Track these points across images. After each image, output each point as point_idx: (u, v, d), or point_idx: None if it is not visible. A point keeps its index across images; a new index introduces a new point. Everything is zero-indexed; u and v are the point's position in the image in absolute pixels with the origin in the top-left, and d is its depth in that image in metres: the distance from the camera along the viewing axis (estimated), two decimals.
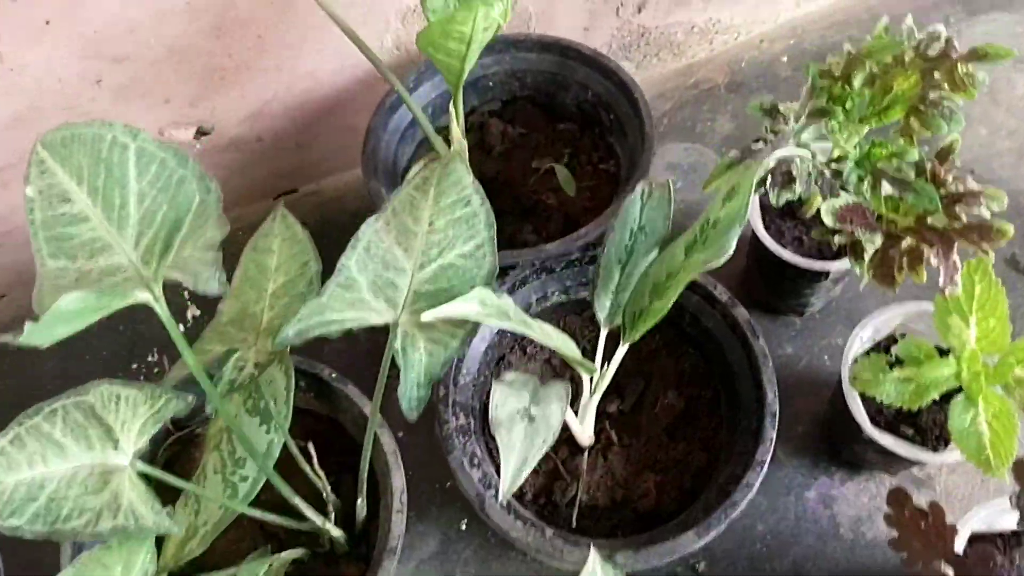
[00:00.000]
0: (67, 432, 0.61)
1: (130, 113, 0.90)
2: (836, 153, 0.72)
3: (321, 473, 0.74)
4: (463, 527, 0.91)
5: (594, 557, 0.57)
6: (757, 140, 0.73)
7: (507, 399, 0.57)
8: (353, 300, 0.61)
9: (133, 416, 0.60)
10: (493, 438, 0.83)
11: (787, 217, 0.88)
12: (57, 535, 0.59)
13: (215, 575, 0.71)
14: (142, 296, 0.53)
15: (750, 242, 0.93)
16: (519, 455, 0.56)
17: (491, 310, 0.56)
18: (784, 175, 0.71)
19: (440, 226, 0.64)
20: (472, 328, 0.61)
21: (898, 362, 0.77)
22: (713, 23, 1.11)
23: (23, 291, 1.08)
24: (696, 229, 0.64)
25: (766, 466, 0.74)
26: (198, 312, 1.05)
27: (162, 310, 0.54)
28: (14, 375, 1.02)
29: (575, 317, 0.88)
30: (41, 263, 0.57)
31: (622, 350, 0.67)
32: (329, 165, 1.10)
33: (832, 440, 0.92)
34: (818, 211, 0.81)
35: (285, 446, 0.72)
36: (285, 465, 0.72)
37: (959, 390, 0.74)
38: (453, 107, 0.80)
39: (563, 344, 0.61)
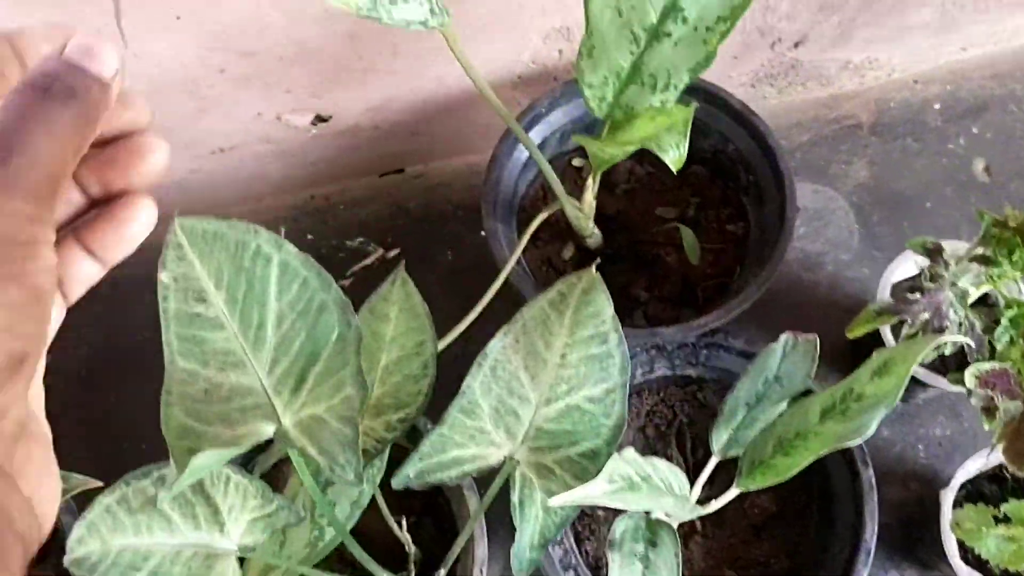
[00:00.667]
0: (175, 505, 0.61)
1: (250, 99, 0.86)
2: (996, 313, 0.67)
3: (407, 537, 0.75)
4: None
5: None
6: (913, 288, 0.68)
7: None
8: (475, 430, 0.59)
9: (242, 507, 0.60)
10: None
11: None
12: None
13: None
14: (270, 432, 0.52)
15: None
16: None
17: (618, 487, 0.55)
18: (935, 331, 0.67)
19: (572, 361, 0.61)
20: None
21: (1005, 518, 0.74)
22: (870, 61, 1.02)
23: None
24: (837, 395, 0.61)
25: None
26: None
27: (295, 437, 0.53)
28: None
29: (677, 389, 0.86)
30: (170, 359, 0.55)
31: (732, 493, 0.65)
32: (440, 150, 1.05)
33: (911, 538, 0.91)
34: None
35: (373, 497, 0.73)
36: (370, 504, 0.72)
37: None
38: (592, 179, 0.75)
39: (681, 505, 0.60)
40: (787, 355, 0.64)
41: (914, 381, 0.83)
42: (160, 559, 0.60)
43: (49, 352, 1.05)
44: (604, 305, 0.62)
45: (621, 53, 0.66)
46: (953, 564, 0.78)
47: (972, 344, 0.68)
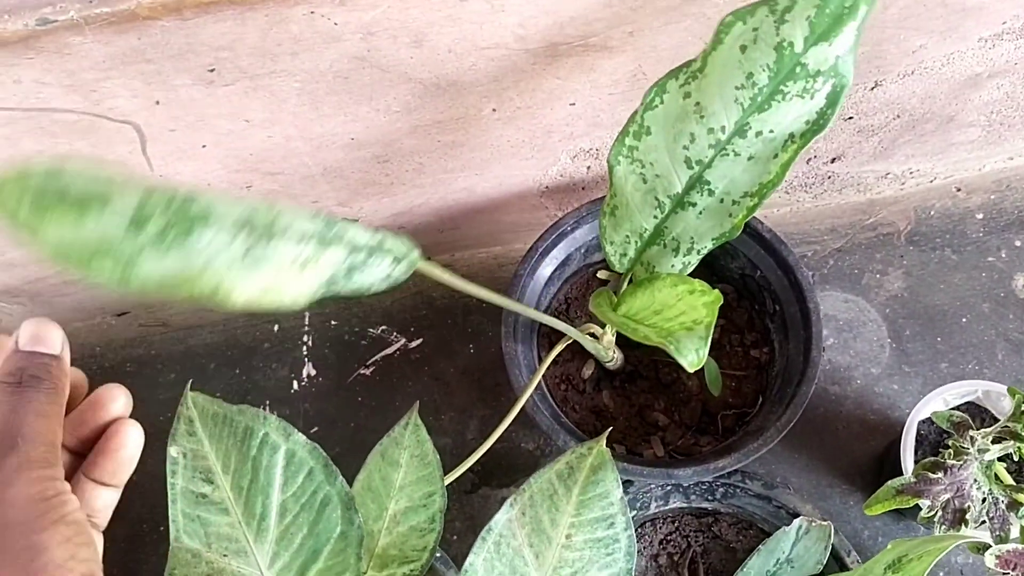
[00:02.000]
0: None
1: None
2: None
3: None
4: None
5: None
6: (936, 466, 0.66)
7: None
8: None
9: None
10: None
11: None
12: None
13: None
14: None
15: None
16: None
17: None
18: (956, 512, 0.65)
19: (577, 543, 0.60)
20: None
21: None
22: (911, 172, 1.00)
23: (144, 311, 1.08)
24: None
25: None
26: None
27: None
28: None
29: (692, 519, 0.85)
30: (175, 536, 0.56)
31: None
32: (468, 243, 1.05)
33: None
34: None
35: None
36: None
37: None
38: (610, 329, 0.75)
39: None
40: (800, 539, 0.63)
41: None
42: None
43: None
44: (613, 486, 0.61)
45: (644, 217, 0.65)
46: None
47: (991, 518, 0.66)
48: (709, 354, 0.85)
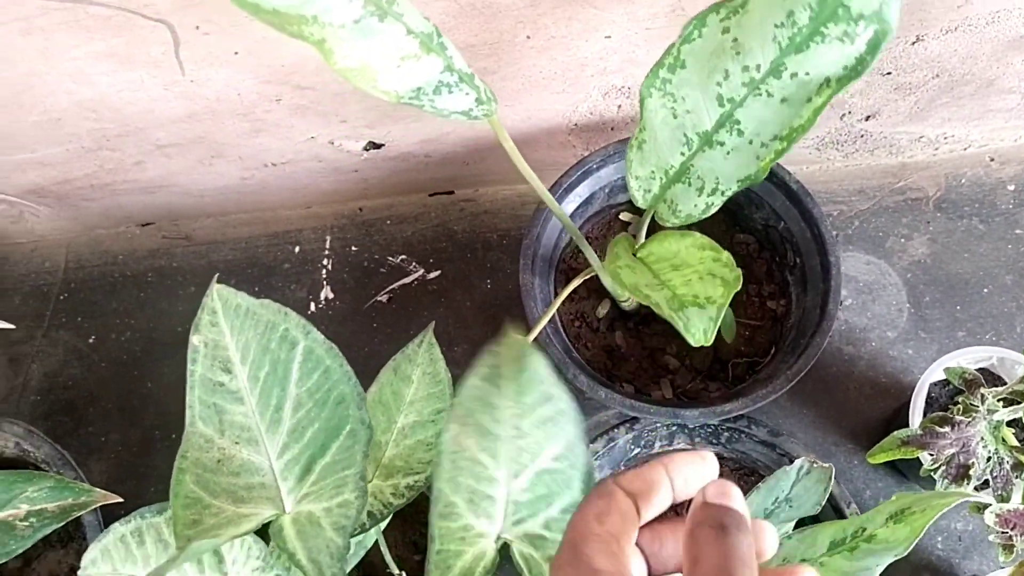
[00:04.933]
0: None
1: (304, 125, 0.87)
2: None
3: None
4: None
5: None
6: (944, 420, 0.66)
7: None
8: (461, 531, 0.59)
9: (244, 562, 0.62)
10: None
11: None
12: None
13: None
14: (268, 516, 0.53)
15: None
16: None
17: None
18: (960, 467, 0.65)
19: (527, 428, 0.60)
20: None
21: None
22: (945, 136, 0.98)
23: (168, 222, 1.09)
24: (848, 530, 0.60)
25: None
26: None
27: (289, 539, 0.54)
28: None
29: None
30: (190, 421, 0.57)
31: None
32: (492, 178, 1.05)
33: None
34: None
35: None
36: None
37: None
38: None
39: None
40: (800, 479, 0.63)
41: None
42: None
43: (95, 334, 1.08)
44: (539, 366, 0.59)
45: (671, 153, 0.65)
46: None
47: (995, 478, 0.67)
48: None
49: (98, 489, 0.75)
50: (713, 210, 0.67)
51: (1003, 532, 0.66)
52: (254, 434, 0.56)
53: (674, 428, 0.81)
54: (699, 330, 0.55)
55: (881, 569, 0.58)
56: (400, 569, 0.77)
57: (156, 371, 1.04)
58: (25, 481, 0.73)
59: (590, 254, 0.75)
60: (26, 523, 0.73)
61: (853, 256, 1.01)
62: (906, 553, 0.57)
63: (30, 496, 0.73)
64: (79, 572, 0.66)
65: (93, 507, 0.75)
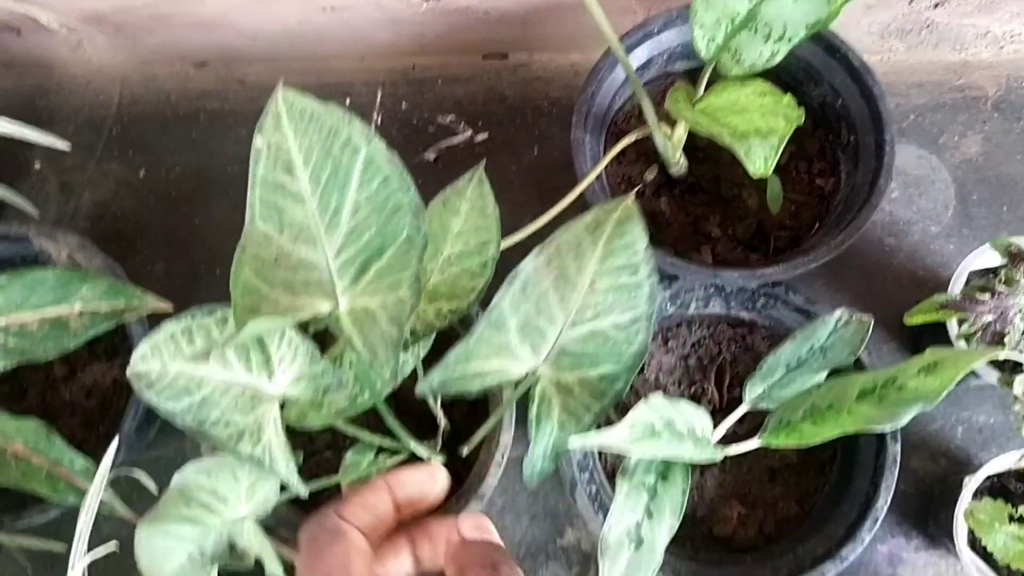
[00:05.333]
0: (232, 346, 0.65)
1: None
2: None
3: (440, 412, 0.79)
4: None
5: None
6: (984, 288, 0.67)
7: (623, 511, 0.58)
8: (500, 345, 0.61)
9: (291, 361, 0.64)
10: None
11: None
12: (202, 436, 0.66)
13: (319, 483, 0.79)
14: (325, 310, 0.55)
15: None
16: None
17: (639, 434, 0.57)
18: (995, 335, 0.66)
19: (601, 288, 0.62)
20: (609, 403, 0.62)
21: (1020, 518, 0.75)
22: (1012, 34, 0.96)
23: (222, 63, 1.10)
24: (880, 380, 0.61)
25: (847, 562, 0.76)
26: None
27: (346, 327, 0.56)
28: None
29: (727, 327, 0.87)
30: (251, 218, 0.58)
31: (751, 445, 0.67)
32: (547, 44, 1.04)
33: (925, 511, 0.92)
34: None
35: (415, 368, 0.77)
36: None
37: None
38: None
39: (699, 451, 0.62)
40: (838, 330, 0.64)
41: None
42: (211, 390, 0.65)
43: (145, 167, 1.10)
44: (638, 236, 0.61)
45: None
46: (959, 546, 0.80)
47: None
48: (774, 172, 0.85)
49: (151, 294, 0.78)
50: (778, 58, 0.67)
51: None
52: (313, 233, 0.57)
53: (711, 290, 0.82)
54: (760, 158, 0.56)
55: (908, 419, 0.59)
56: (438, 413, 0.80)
57: (204, 208, 1.06)
58: (81, 280, 0.76)
59: (648, 109, 0.75)
60: (79, 321, 0.76)
61: (905, 149, 1.00)
62: (934, 405, 0.59)
63: (84, 296, 0.76)
64: (128, 368, 0.68)
65: (144, 313, 0.78)
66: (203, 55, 1.07)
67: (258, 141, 0.58)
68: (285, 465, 0.63)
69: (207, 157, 1.08)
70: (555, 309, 0.63)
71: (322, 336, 0.76)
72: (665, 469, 0.64)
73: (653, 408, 0.60)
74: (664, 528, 0.57)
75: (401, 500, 0.48)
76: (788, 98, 0.63)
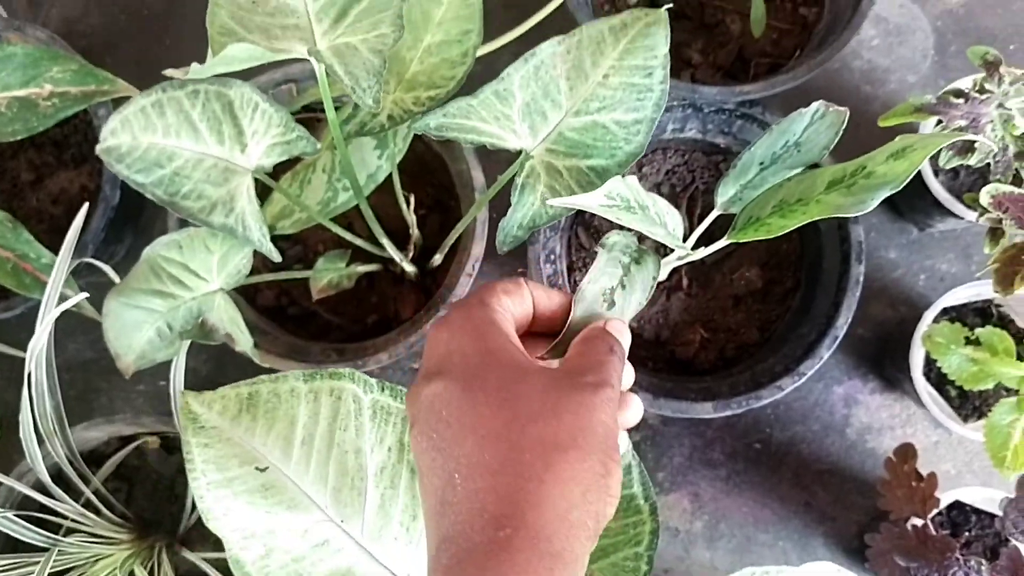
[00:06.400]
0: (204, 118, 0.64)
1: None
2: None
3: (413, 218, 0.79)
4: None
5: None
6: (959, 93, 0.67)
7: (601, 275, 0.58)
8: (501, 114, 0.61)
9: (264, 132, 0.64)
10: (576, 235, 0.87)
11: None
12: (174, 207, 0.65)
13: (296, 272, 0.79)
14: (303, 52, 0.54)
15: None
16: None
17: (616, 203, 0.57)
18: (965, 142, 0.67)
19: (613, 83, 0.62)
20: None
21: (975, 340, 0.77)
22: None
23: None
24: (847, 169, 0.62)
25: (804, 379, 0.78)
26: None
27: (321, 73, 0.55)
28: None
29: (702, 156, 0.87)
30: None
31: (722, 243, 0.68)
32: None
33: (883, 355, 0.94)
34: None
35: (389, 176, 0.76)
36: (385, 187, 0.76)
37: (1015, 392, 0.75)
38: None
39: (672, 233, 0.63)
40: (813, 122, 0.65)
41: (934, 204, 0.84)
42: (183, 162, 0.65)
43: None
44: (661, 41, 0.62)
45: None
46: (914, 377, 0.82)
47: (997, 162, 0.68)
48: None
49: (121, 80, 0.76)
50: None
51: (995, 215, 0.68)
52: None
53: (688, 111, 0.82)
54: None
55: (876, 203, 0.59)
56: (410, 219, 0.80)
57: (176, 30, 1.03)
58: (51, 60, 0.74)
59: None
60: (48, 103, 0.74)
61: None
62: (901, 187, 0.59)
63: (55, 76, 0.74)
64: (98, 145, 0.67)
65: (113, 96, 0.76)
66: None
67: None
68: (259, 230, 0.63)
69: None
70: (562, 96, 0.63)
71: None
72: (639, 255, 0.64)
73: (630, 187, 0.60)
74: (633, 301, 0.57)
75: (539, 310, 0.48)
76: None
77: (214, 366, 0.95)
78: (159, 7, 1.03)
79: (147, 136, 0.66)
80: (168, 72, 0.51)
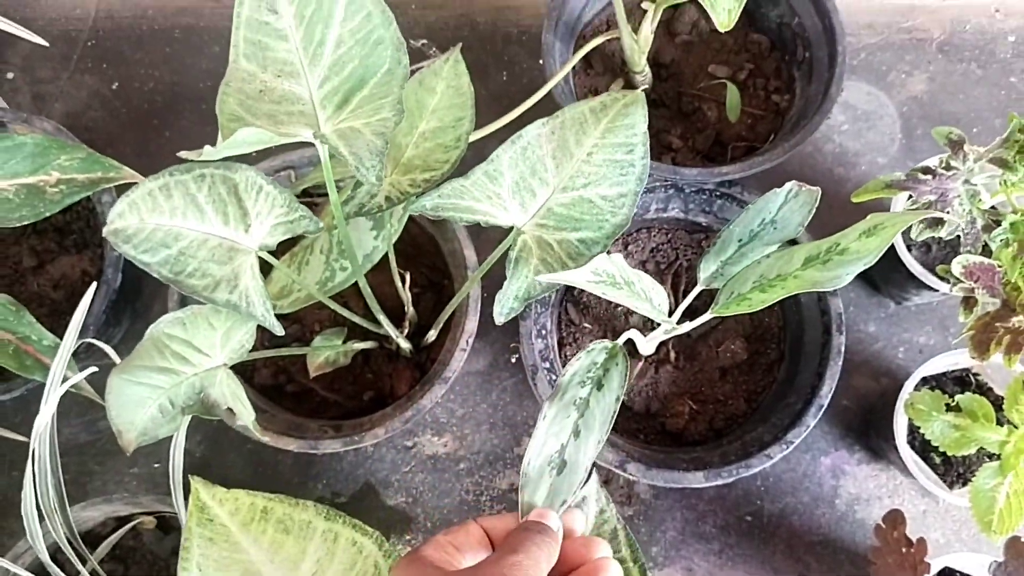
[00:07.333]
0: (209, 200, 0.67)
1: None
2: (1001, 210, 0.70)
3: (408, 296, 0.81)
4: (512, 360, 0.99)
5: (594, 482, 0.63)
6: (927, 170, 0.72)
7: (543, 444, 0.57)
8: (492, 194, 0.65)
9: (268, 212, 0.66)
10: (566, 311, 0.89)
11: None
12: (179, 285, 0.67)
13: (291, 349, 0.81)
14: (309, 136, 0.58)
15: None
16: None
17: (601, 279, 0.60)
18: (935, 217, 0.71)
19: (597, 160, 0.66)
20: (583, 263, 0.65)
21: (956, 407, 0.80)
22: None
23: None
24: (822, 246, 0.65)
25: (792, 447, 0.79)
26: None
27: (324, 155, 0.58)
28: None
29: (684, 234, 0.91)
30: (234, 59, 0.61)
31: (705, 317, 0.71)
32: None
33: (867, 426, 0.97)
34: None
35: (385, 256, 0.79)
36: (381, 267, 0.79)
37: (997, 456, 0.77)
38: (653, 12, 0.79)
39: (657, 308, 0.65)
40: (788, 201, 0.68)
41: (909, 278, 0.87)
42: (189, 242, 0.67)
43: (119, 81, 1.12)
44: (639, 120, 0.66)
45: None
46: (899, 445, 0.84)
47: (966, 234, 0.72)
48: (733, 81, 0.89)
49: (127, 168, 0.79)
50: None
51: (968, 285, 0.72)
52: (296, 68, 0.60)
53: (671, 192, 0.86)
54: (724, 10, 0.60)
55: (851, 277, 0.63)
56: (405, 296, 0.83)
57: (175, 122, 1.07)
58: (59, 149, 0.77)
59: (619, 5, 0.79)
60: (56, 189, 0.77)
61: (856, 85, 1.06)
62: (874, 262, 0.62)
63: (62, 164, 0.77)
64: (105, 228, 0.70)
65: (118, 182, 0.79)
66: None
67: None
68: (263, 306, 0.65)
69: (180, 72, 1.09)
70: (549, 174, 0.67)
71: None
72: (604, 375, 0.62)
73: (615, 263, 0.63)
74: (591, 444, 0.56)
75: (496, 533, 0.53)
76: None
77: (209, 447, 0.96)
78: (159, 103, 1.07)
79: (154, 218, 0.68)
80: (182, 153, 0.54)
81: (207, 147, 0.52)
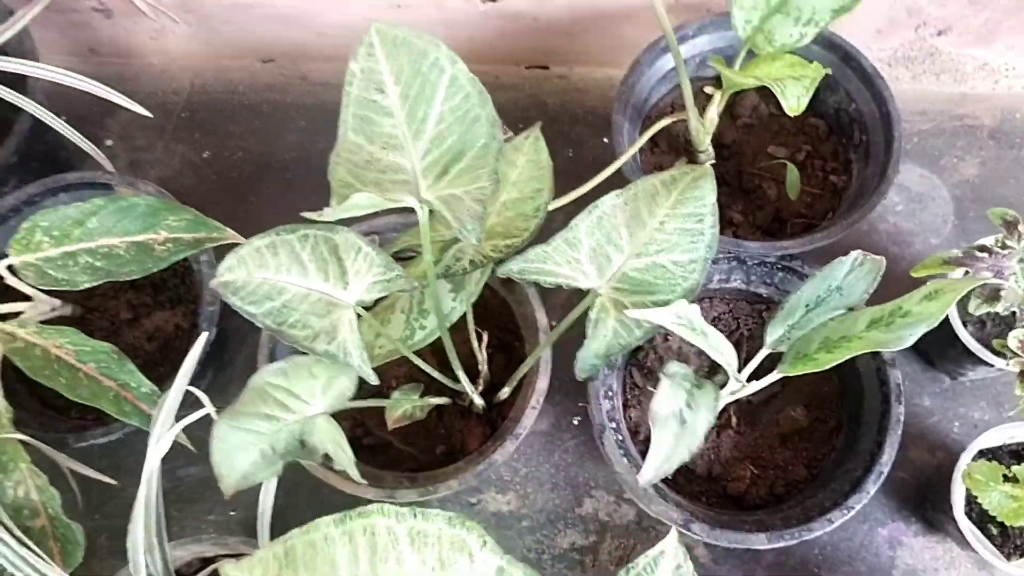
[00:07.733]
0: (312, 258, 0.73)
1: None
2: None
3: (484, 355, 0.86)
4: (575, 422, 1.03)
5: (673, 536, 0.67)
6: (983, 248, 0.75)
7: (668, 397, 0.65)
8: (572, 259, 0.70)
9: (367, 271, 0.72)
10: (631, 374, 0.93)
11: None
12: (281, 335, 0.73)
13: (373, 401, 0.85)
14: (413, 203, 0.63)
15: None
16: (665, 453, 0.65)
17: (683, 323, 0.64)
18: (992, 289, 0.74)
19: (669, 229, 0.71)
20: (655, 328, 0.70)
21: (1013, 478, 0.82)
22: (1008, 67, 1.07)
23: (287, 60, 1.20)
24: (886, 310, 0.69)
25: (853, 512, 0.82)
26: None
27: (424, 219, 0.64)
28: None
29: (746, 304, 0.95)
30: (344, 132, 0.67)
31: (773, 377, 0.74)
32: (587, 57, 1.15)
33: (924, 498, 0.98)
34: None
35: (463, 316, 0.84)
36: (456, 327, 0.84)
37: None
38: (719, 99, 0.84)
39: (726, 362, 0.69)
40: (853, 270, 0.72)
41: (964, 353, 0.90)
42: (291, 296, 0.73)
43: (210, 150, 1.22)
44: (708, 192, 0.71)
45: None
46: (956, 516, 0.86)
47: (1022, 311, 0.75)
48: (792, 162, 0.94)
49: (230, 229, 0.86)
50: (806, 40, 0.77)
51: (1022, 359, 0.75)
52: (400, 141, 0.66)
53: (733, 264, 0.90)
54: (794, 96, 0.65)
55: (913, 339, 0.67)
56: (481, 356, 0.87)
57: (262, 189, 1.14)
58: (168, 210, 0.84)
59: (686, 86, 0.85)
60: (163, 247, 0.83)
61: (909, 168, 1.10)
62: (936, 324, 0.66)
63: (170, 224, 0.84)
64: (214, 280, 0.76)
65: (222, 242, 0.85)
66: (271, 50, 1.18)
67: (352, 66, 0.68)
68: (359, 356, 0.70)
69: (267, 143, 1.17)
70: (624, 241, 0.72)
71: None
72: (698, 383, 0.71)
73: (692, 311, 0.68)
74: (702, 418, 0.63)
75: None
76: (815, 64, 0.73)
77: (282, 494, 1.00)
78: (247, 172, 1.15)
79: (260, 272, 0.74)
80: (306, 214, 0.60)
81: (327, 209, 0.57)
